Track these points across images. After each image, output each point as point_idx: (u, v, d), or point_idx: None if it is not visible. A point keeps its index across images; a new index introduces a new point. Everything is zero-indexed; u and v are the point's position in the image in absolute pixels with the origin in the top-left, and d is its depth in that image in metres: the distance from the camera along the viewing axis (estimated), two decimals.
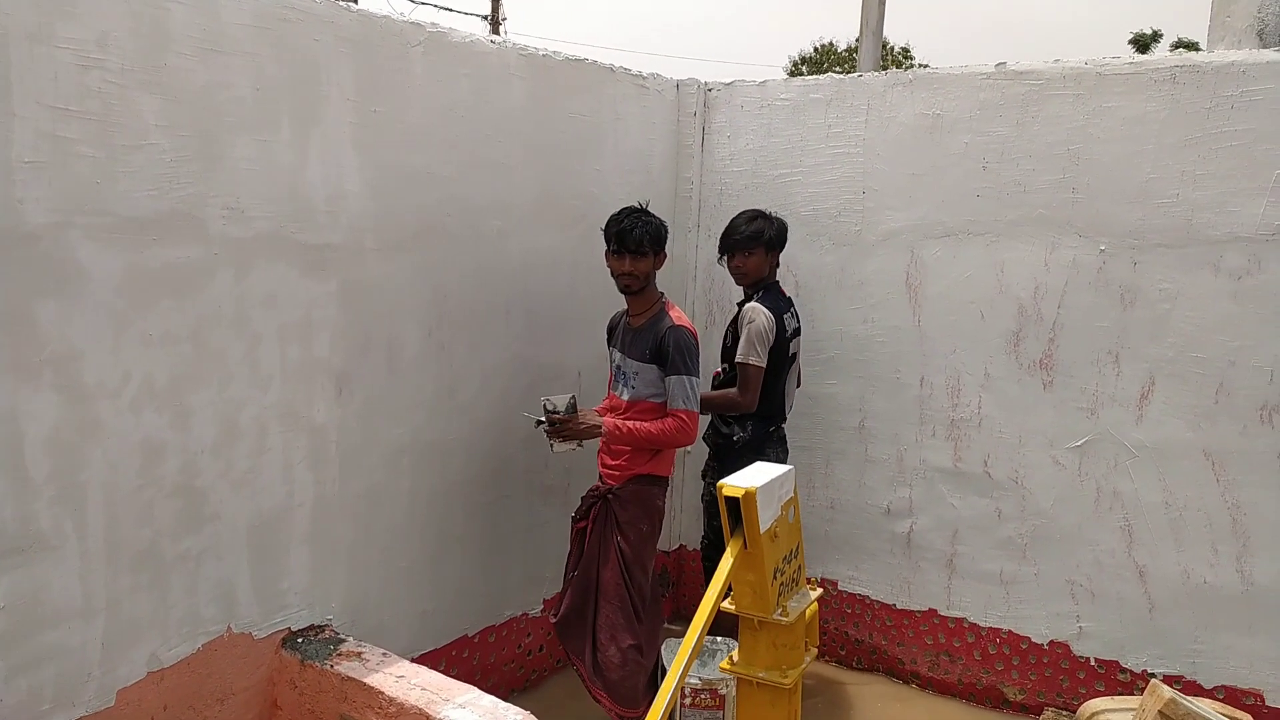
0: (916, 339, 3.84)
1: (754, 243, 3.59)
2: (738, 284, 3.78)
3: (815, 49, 25.99)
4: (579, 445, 3.20)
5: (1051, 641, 3.66)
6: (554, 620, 3.35)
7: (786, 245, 3.77)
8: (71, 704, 2.35)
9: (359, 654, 2.79)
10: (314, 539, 2.91)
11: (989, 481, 3.74)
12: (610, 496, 3.25)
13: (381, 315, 2.99)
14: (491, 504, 3.51)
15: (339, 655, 2.79)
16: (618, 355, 3.33)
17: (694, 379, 3.15)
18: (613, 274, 3.22)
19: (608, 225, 3.19)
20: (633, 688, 3.21)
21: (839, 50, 24.75)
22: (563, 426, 3.13)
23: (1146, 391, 3.38)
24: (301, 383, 2.80)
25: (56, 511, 2.27)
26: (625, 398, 3.26)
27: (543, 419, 3.13)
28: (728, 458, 3.61)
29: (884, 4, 9.74)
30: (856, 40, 9.66)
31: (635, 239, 3.13)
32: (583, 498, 3.36)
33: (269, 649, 2.82)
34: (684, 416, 3.13)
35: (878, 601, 4.08)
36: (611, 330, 3.45)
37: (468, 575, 3.48)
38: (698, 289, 4.40)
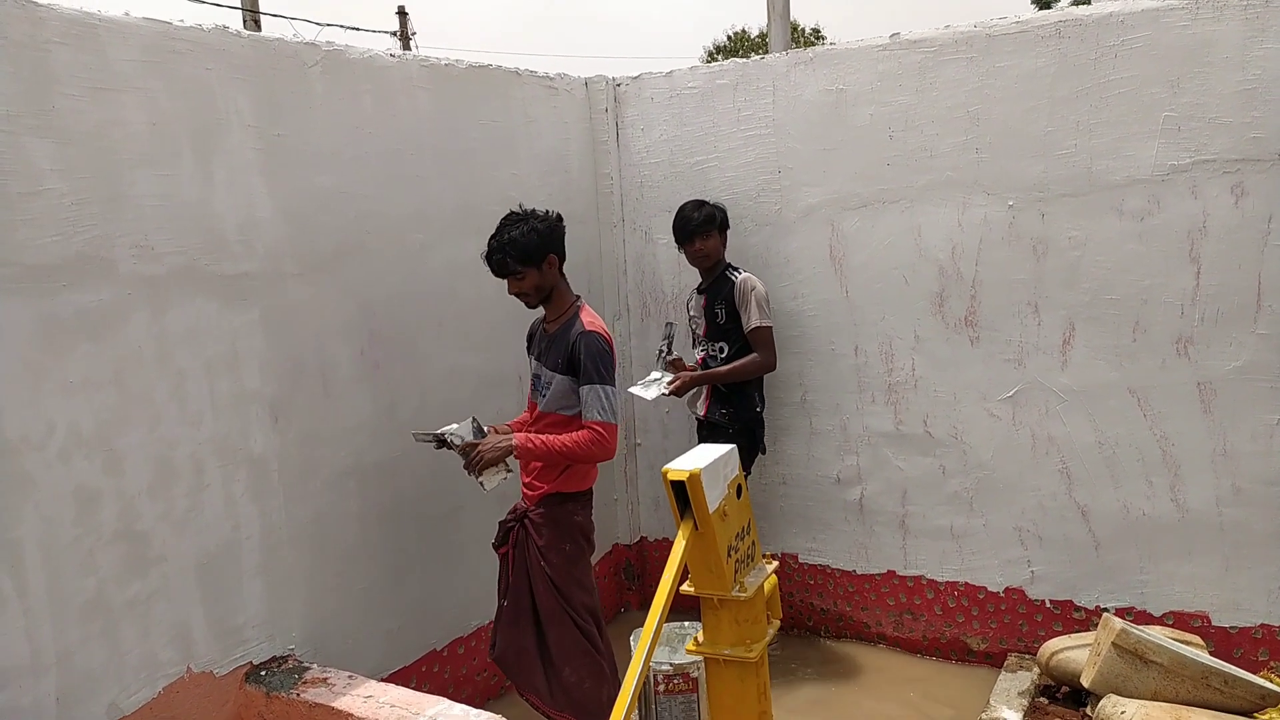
0: (846, 309, 3.92)
1: (709, 225, 3.79)
2: (697, 267, 3.90)
3: (729, 37, 26.20)
4: (507, 471, 3.02)
5: (1007, 589, 3.77)
6: (492, 657, 3.21)
7: None
8: None
9: (324, 679, 2.78)
10: (266, 570, 2.88)
11: (930, 440, 3.83)
12: (527, 520, 3.09)
13: (310, 339, 2.98)
14: (445, 517, 3.50)
15: (304, 683, 2.77)
16: (534, 363, 3.18)
17: (609, 388, 2.96)
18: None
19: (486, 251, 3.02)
20: (598, 702, 3.09)
21: (752, 37, 24.99)
22: (472, 455, 2.94)
23: (1068, 337, 3.50)
24: (235, 415, 2.77)
25: None
26: (542, 407, 3.09)
27: (433, 439, 2.97)
28: (755, 430, 3.87)
29: None
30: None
31: (498, 265, 2.95)
32: (500, 522, 3.19)
33: (232, 685, 2.79)
34: (599, 429, 2.92)
35: (838, 570, 4.15)
36: (531, 337, 3.29)
37: (429, 590, 3.47)
38: (629, 283, 4.43)
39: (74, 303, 2.35)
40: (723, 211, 3.86)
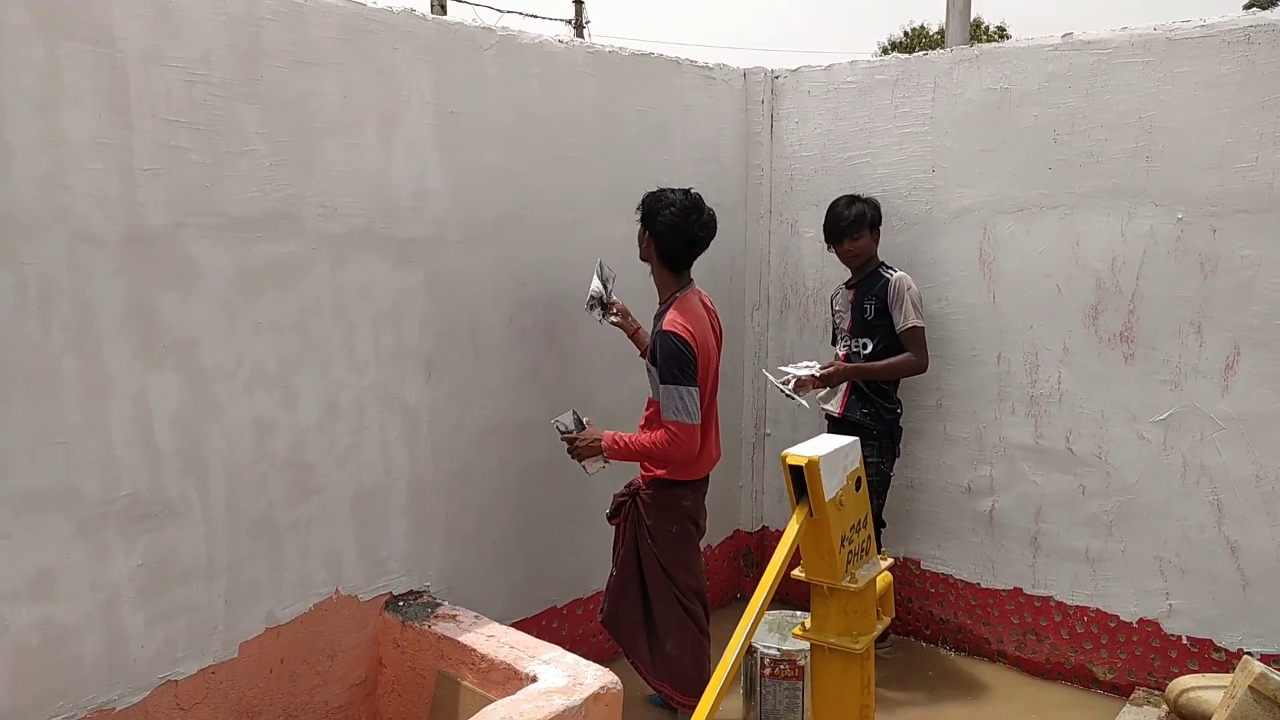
0: (992, 315, 3.84)
1: (859, 225, 3.79)
2: (848, 266, 3.91)
3: (906, 33, 25.44)
4: (605, 461, 3.18)
5: (1141, 620, 3.61)
6: (601, 619, 3.38)
7: None
8: (201, 654, 2.63)
9: (454, 616, 3.01)
10: (411, 511, 3.14)
11: (1071, 458, 3.71)
12: (638, 498, 3.22)
13: (465, 303, 3.21)
14: (575, 482, 3.68)
15: (436, 617, 3.01)
16: None
17: (685, 388, 2.97)
18: None
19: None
20: (696, 678, 3.20)
21: (931, 33, 24.17)
22: (572, 446, 3.16)
23: (1231, 362, 3.31)
24: (394, 367, 3.03)
25: (182, 482, 2.54)
26: (650, 391, 3.20)
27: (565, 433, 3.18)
28: (894, 432, 3.89)
29: None
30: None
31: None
32: (615, 494, 3.34)
33: (373, 611, 3.06)
34: (673, 429, 2.98)
35: (962, 581, 4.08)
36: None
37: (555, 549, 3.66)
38: (771, 274, 4.48)
39: (266, 252, 2.65)
40: (875, 208, 3.84)
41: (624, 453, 3.10)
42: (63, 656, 2.35)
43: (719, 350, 3.27)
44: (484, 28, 3.16)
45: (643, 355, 3.41)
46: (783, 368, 3.82)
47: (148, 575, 2.50)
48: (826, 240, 3.89)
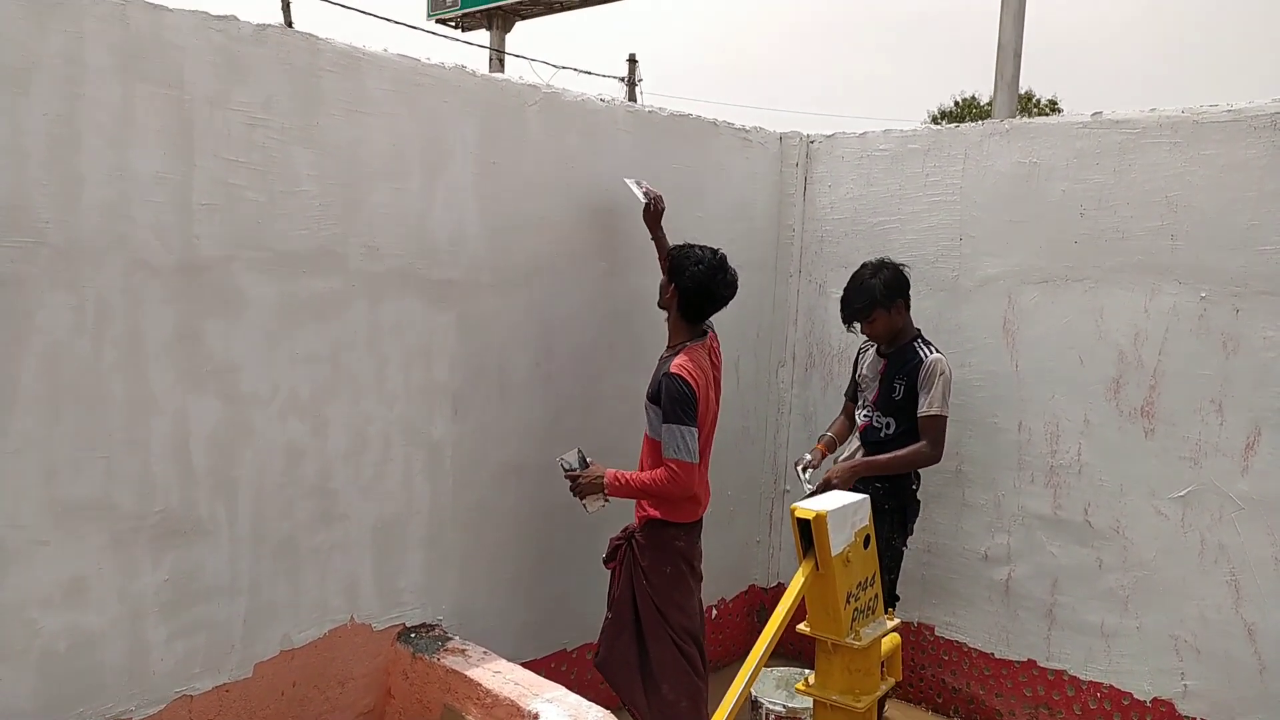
0: (1014, 384, 3.87)
1: (870, 309, 3.63)
2: (877, 343, 3.79)
3: (956, 103, 25.69)
4: (605, 500, 3.25)
5: (1155, 699, 3.56)
6: (595, 662, 3.39)
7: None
8: (217, 671, 2.72)
9: (463, 651, 3.07)
10: (429, 544, 3.22)
11: (1089, 530, 3.70)
12: (633, 540, 3.27)
13: (494, 345, 3.32)
14: (592, 525, 3.73)
15: (446, 651, 3.07)
16: None
17: (686, 428, 3.07)
18: None
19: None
20: None
21: (982, 104, 24.37)
22: (575, 484, 3.23)
23: (1252, 441, 3.31)
24: (422, 402, 3.14)
25: (213, 501, 2.66)
26: (647, 429, 3.28)
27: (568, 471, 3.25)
28: (910, 507, 3.74)
29: (1019, 58, 9.73)
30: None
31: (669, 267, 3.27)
32: (611, 539, 3.39)
33: (386, 641, 3.13)
34: (674, 466, 3.07)
35: (975, 649, 4.05)
36: None
37: (568, 592, 3.71)
38: (798, 332, 4.55)
39: (310, 287, 2.78)
40: (891, 282, 3.62)
41: (624, 489, 3.18)
42: (87, 663, 2.45)
43: (718, 401, 3.35)
44: (529, 85, 3.32)
45: (661, 261, 3.51)
46: (803, 475, 3.77)
47: (173, 590, 2.59)
48: (843, 322, 3.75)
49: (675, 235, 3.66)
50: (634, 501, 3.36)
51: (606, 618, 3.36)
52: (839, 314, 4.00)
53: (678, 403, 3.07)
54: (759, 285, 4.38)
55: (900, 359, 3.68)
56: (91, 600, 2.44)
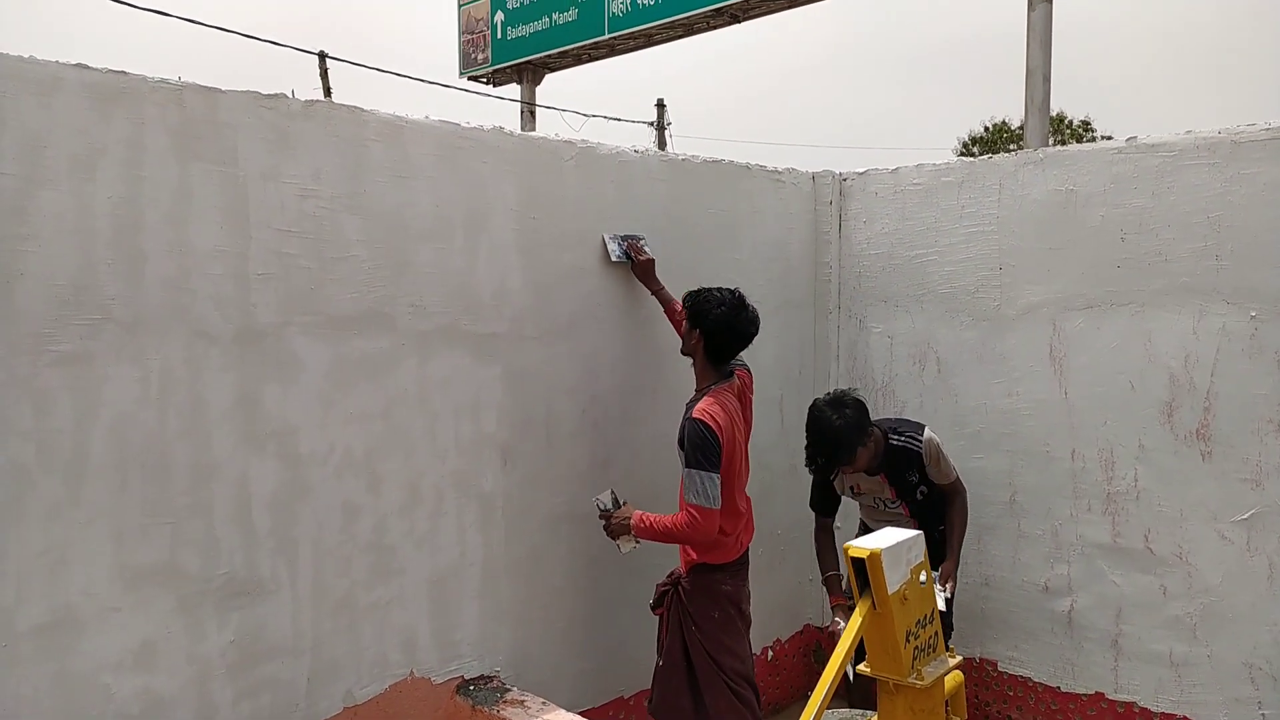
0: (1064, 411, 3.82)
1: (845, 457, 3.52)
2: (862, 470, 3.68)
3: (986, 129, 25.63)
4: (635, 541, 3.28)
5: None
6: (650, 709, 3.39)
7: (926, 323, 3.88)
8: None
9: (522, 702, 3.08)
10: (483, 595, 3.25)
11: (1151, 557, 3.63)
12: (679, 587, 3.28)
13: (540, 395, 3.37)
14: (645, 570, 3.74)
15: (505, 702, 3.08)
16: None
17: (707, 474, 3.06)
18: None
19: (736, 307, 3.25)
20: None
21: (1013, 128, 24.29)
22: (607, 524, 3.28)
23: None
24: (473, 455, 3.19)
25: (275, 561, 2.72)
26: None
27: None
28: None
29: (1048, 81, 9.70)
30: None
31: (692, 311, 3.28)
32: (657, 584, 3.40)
33: (445, 694, 3.15)
34: (694, 511, 3.06)
35: (1040, 684, 3.96)
36: None
37: (623, 639, 3.71)
38: (840, 368, 4.55)
39: (360, 348, 2.86)
40: (854, 417, 3.47)
41: (649, 532, 3.18)
42: None
43: (747, 438, 3.34)
44: (565, 141, 3.40)
45: (668, 314, 3.61)
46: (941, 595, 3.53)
47: (238, 651, 2.65)
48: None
49: (712, 278, 3.71)
50: (676, 545, 3.37)
51: (658, 664, 3.35)
52: (880, 347, 3.96)
53: (699, 448, 3.07)
54: (799, 323, 4.40)
55: (896, 464, 3.66)
56: (161, 663, 2.50)
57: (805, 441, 3.59)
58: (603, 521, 3.30)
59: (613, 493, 3.32)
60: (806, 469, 3.66)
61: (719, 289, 3.25)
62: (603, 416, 3.58)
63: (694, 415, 3.13)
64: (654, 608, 3.40)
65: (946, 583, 3.60)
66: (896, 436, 3.65)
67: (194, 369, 2.52)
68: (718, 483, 3.10)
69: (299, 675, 2.79)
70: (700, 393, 3.26)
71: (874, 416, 4.22)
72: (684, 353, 3.36)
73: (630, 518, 3.22)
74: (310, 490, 2.78)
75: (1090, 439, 3.76)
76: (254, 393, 2.64)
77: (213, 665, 2.60)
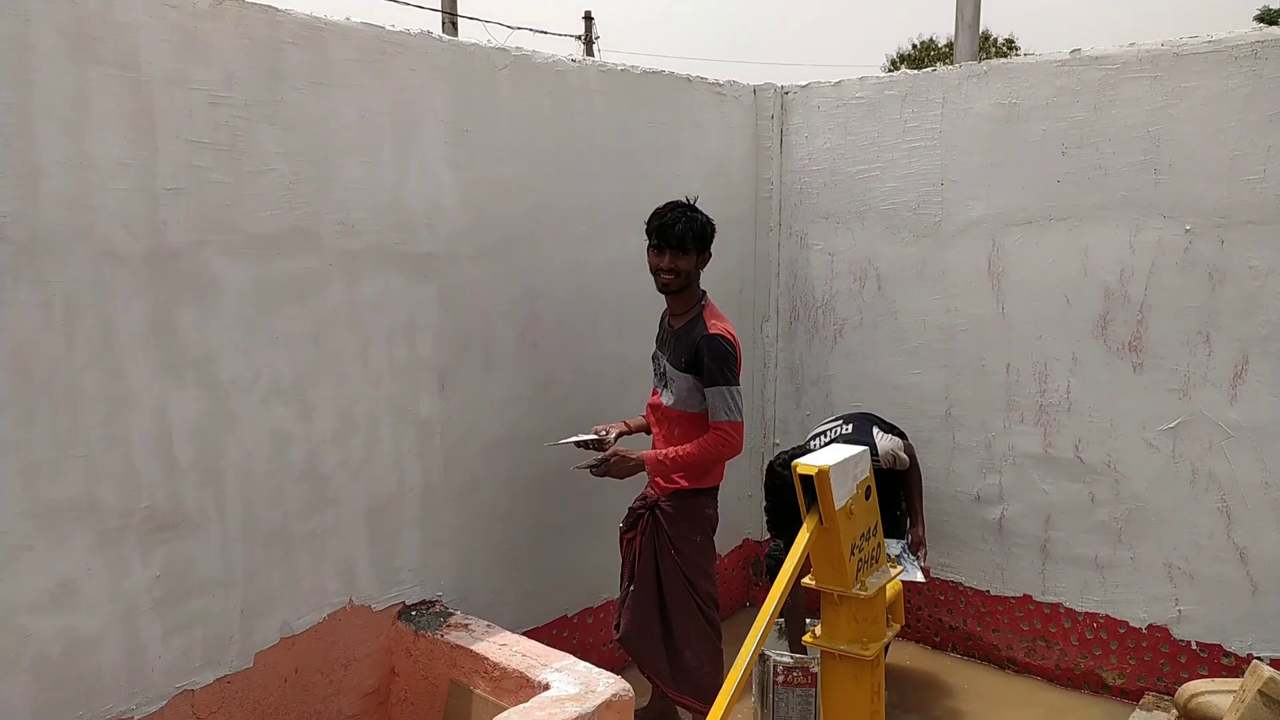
0: (1001, 326, 3.86)
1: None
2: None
3: (915, 46, 25.52)
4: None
5: (1150, 626, 3.62)
6: (617, 636, 3.35)
7: (867, 239, 3.85)
8: (217, 664, 2.67)
9: (466, 625, 3.04)
10: (424, 522, 3.18)
11: (1081, 466, 3.73)
12: (658, 510, 3.21)
13: (478, 317, 3.25)
14: (586, 493, 3.71)
15: (448, 627, 3.04)
16: (658, 354, 3.29)
17: (734, 388, 3.05)
18: (651, 270, 3.15)
19: (650, 219, 3.13)
20: (715, 684, 3.19)
21: (939, 46, 24.23)
22: (603, 469, 3.11)
23: (1240, 370, 3.33)
24: (408, 379, 3.07)
25: (200, 494, 2.59)
26: (667, 403, 3.20)
27: (573, 444, 3.19)
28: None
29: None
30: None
31: (678, 235, 3.04)
32: (630, 508, 3.33)
33: (386, 620, 3.10)
34: (727, 429, 3.05)
35: (971, 588, 4.10)
36: (659, 326, 3.38)
37: (566, 559, 3.70)
38: (780, 286, 4.52)
39: (285, 269, 2.70)
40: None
41: (671, 468, 3.10)
42: (82, 666, 2.39)
43: None
44: (499, 48, 3.21)
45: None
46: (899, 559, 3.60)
47: (165, 586, 2.54)
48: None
49: (652, 194, 3.60)
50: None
51: (628, 590, 3.30)
52: (821, 265, 3.91)
53: (724, 362, 3.03)
54: (740, 241, 4.33)
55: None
56: (82, 602, 2.38)
57: (765, 503, 3.57)
58: (595, 467, 3.13)
59: (595, 431, 3.23)
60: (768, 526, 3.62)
61: (689, 205, 3.15)
62: (542, 338, 3.48)
63: (712, 333, 3.06)
64: (625, 531, 3.36)
65: (918, 550, 3.66)
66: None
67: (102, 292, 2.33)
68: (741, 394, 3.08)
69: (231, 608, 2.70)
70: (698, 307, 3.18)
71: (814, 336, 4.22)
72: (689, 275, 3.13)
73: (635, 459, 3.09)
74: (236, 419, 2.64)
75: (1025, 353, 3.81)
76: (170, 317, 2.47)
77: (139, 601, 2.49)
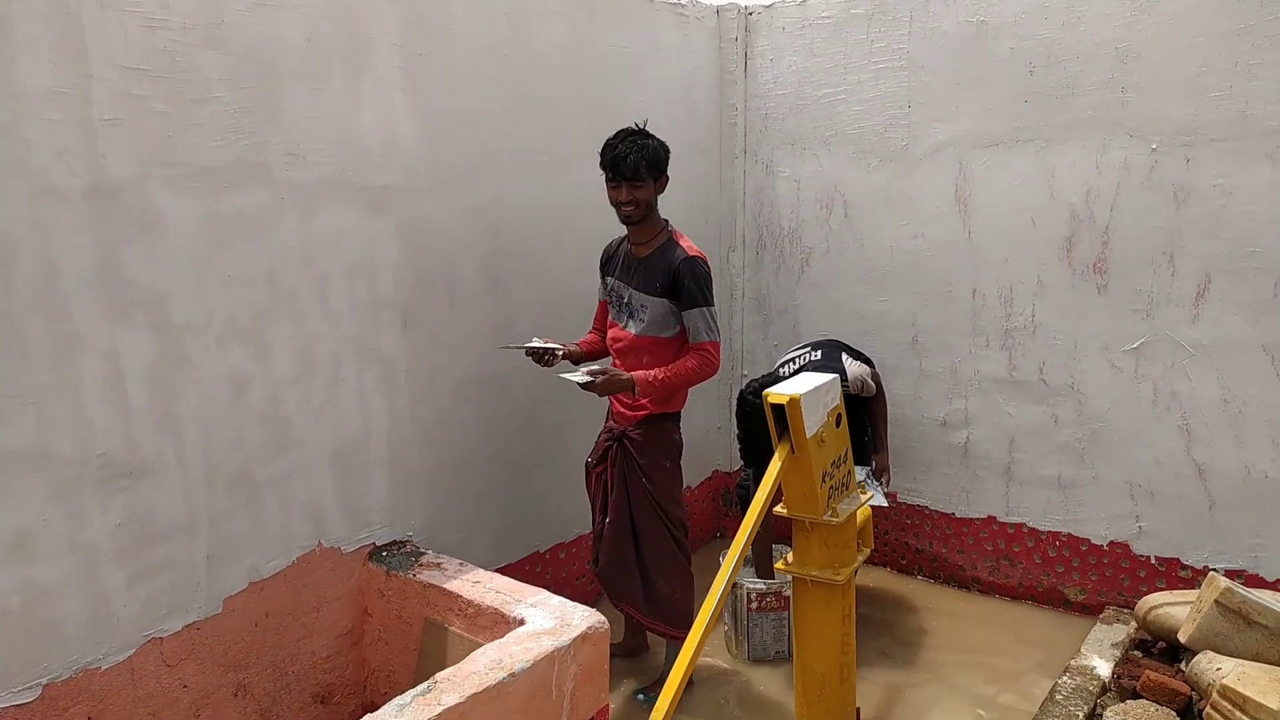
0: (968, 251, 3.85)
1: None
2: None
3: None
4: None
5: (1111, 542, 3.71)
6: (595, 570, 3.37)
7: (834, 165, 3.80)
8: (185, 610, 2.62)
9: (438, 564, 3.02)
10: (391, 463, 3.13)
11: (1045, 388, 3.77)
12: (626, 440, 3.21)
13: (440, 251, 3.16)
14: (556, 429, 3.69)
15: (420, 566, 3.02)
16: (619, 285, 3.21)
17: (711, 309, 3.09)
18: (612, 204, 3.09)
19: (603, 152, 3.05)
20: (686, 610, 3.26)
21: None
22: (590, 388, 3.04)
23: (1203, 289, 3.36)
24: (370, 318, 2.99)
25: (158, 439, 2.50)
26: (635, 331, 3.16)
27: (528, 351, 3.13)
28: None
29: None
30: None
31: (631, 166, 2.97)
32: (597, 441, 3.33)
33: (357, 562, 3.06)
34: (709, 348, 3.08)
35: (936, 511, 4.16)
36: (609, 257, 3.31)
37: (537, 495, 3.68)
38: (747, 214, 4.46)
39: (234, 203, 2.58)
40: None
41: (661, 389, 3.07)
42: (44, 618, 2.33)
43: None
44: None
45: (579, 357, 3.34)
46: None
47: (127, 534, 2.47)
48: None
49: (615, 121, 3.49)
50: (609, 402, 3.30)
51: (603, 523, 3.29)
52: (787, 193, 3.86)
53: (703, 284, 3.06)
54: (705, 169, 4.25)
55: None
56: (41, 553, 2.30)
57: (737, 432, 3.54)
58: (588, 382, 3.03)
59: (566, 346, 3.19)
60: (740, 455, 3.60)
61: (639, 131, 3.06)
62: (506, 272, 3.40)
63: (690, 256, 3.07)
64: (594, 466, 3.33)
65: (881, 475, 3.68)
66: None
67: (41, 230, 2.21)
68: (718, 314, 3.14)
69: (197, 554, 2.64)
70: (665, 233, 3.15)
71: (780, 265, 4.19)
72: (643, 213, 3.08)
73: (624, 378, 3.03)
74: (190, 362, 2.55)
75: (991, 277, 3.81)
76: (115, 256, 2.35)
77: (100, 551, 2.42)
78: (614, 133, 3.08)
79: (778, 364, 3.86)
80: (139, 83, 2.33)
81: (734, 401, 4.63)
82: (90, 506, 2.38)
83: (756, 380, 3.50)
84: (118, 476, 2.43)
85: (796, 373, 3.55)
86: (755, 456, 3.48)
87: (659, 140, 3.07)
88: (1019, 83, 3.58)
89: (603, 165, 3.06)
